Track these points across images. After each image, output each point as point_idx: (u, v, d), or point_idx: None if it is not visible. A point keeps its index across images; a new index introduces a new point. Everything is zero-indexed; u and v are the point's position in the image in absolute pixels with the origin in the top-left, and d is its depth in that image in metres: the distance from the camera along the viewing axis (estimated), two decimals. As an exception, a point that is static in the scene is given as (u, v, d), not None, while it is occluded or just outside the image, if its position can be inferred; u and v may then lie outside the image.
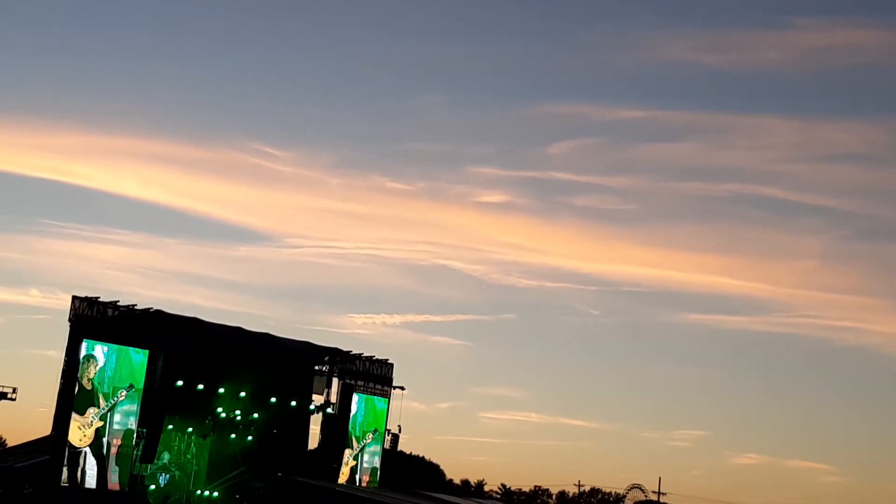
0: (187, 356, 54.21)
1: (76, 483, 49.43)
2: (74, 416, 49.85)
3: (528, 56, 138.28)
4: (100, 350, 51.35)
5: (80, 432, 49.94)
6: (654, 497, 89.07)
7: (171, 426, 55.80)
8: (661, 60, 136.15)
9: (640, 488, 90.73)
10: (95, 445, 50.11)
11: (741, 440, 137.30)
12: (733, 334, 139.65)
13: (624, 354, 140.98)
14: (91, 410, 50.37)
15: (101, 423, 50.15)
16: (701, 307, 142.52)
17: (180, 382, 53.77)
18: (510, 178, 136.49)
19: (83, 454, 49.78)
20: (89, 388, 50.52)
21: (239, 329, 57.14)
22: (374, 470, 63.46)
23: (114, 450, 50.94)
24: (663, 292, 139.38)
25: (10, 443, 71.73)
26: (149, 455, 52.31)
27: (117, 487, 50.58)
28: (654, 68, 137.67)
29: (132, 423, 51.58)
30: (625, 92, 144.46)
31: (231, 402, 57.12)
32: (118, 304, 53.23)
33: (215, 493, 56.82)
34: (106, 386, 51.17)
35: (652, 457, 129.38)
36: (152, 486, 54.44)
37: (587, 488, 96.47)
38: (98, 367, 50.67)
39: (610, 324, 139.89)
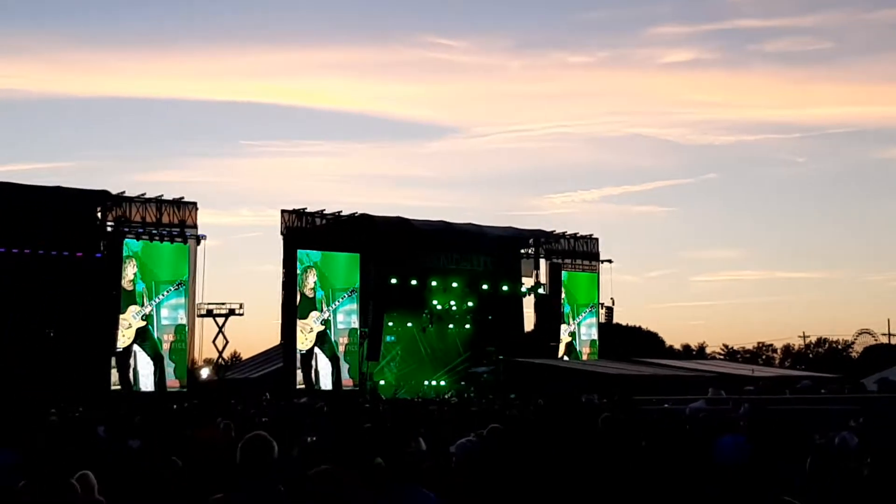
0: (397, 255, 55.84)
1: (311, 384, 51.90)
2: (298, 322, 52.48)
3: None
4: (315, 258, 53.40)
5: (302, 336, 52.59)
6: (884, 340, 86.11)
7: (391, 323, 57.75)
8: None
9: (870, 333, 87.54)
10: (327, 348, 52.54)
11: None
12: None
13: (837, 198, 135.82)
14: (313, 314, 52.84)
15: (321, 328, 52.51)
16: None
17: (394, 280, 55.55)
18: (695, 34, 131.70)
19: (314, 356, 52.30)
20: (311, 295, 52.98)
21: (443, 223, 58.53)
22: (592, 342, 63.85)
23: (341, 348, 53.51)
24: (870, 129, 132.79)
25: (244, 356, 73.58)
26: (374, 353, 54.89)
27: (350, 384, 53.04)
28: None
29: (354, 322, 54.08)
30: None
31: (444, 294, 58.72)
32: (324, 212, 55.23)
33: (442, 382, 58.48)
34: (325, 291, 53.43)
35: (879, 300, 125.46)
36: (382, 381, 56.62)
37: (813, 339, 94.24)
38: (316, 274, 53.02)
39: (818, 169, 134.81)
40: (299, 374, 51.88)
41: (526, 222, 62.36)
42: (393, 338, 58.49)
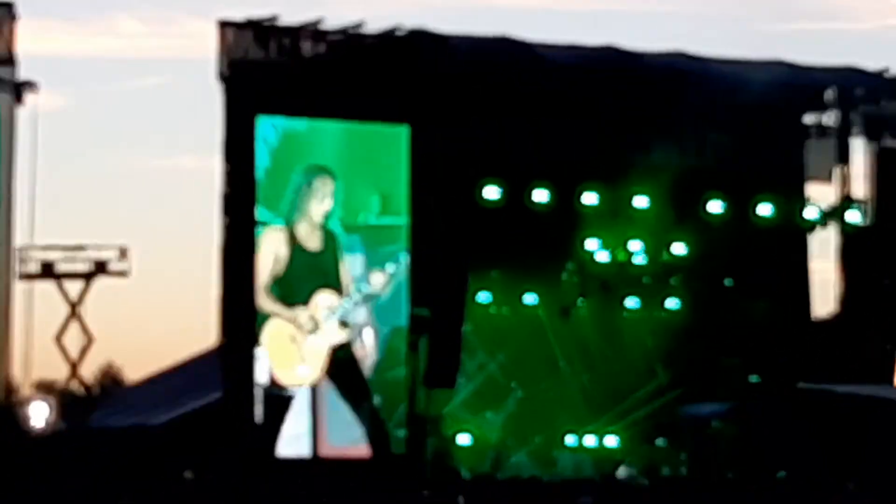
0: (501, 131, 30.34)
1: (315, 441, 27.75)
2: (279, 308, 26.73)
3: None
4: (302, 138, 27.74)
5: (292, 352, 26.66)
6: None
7: (483, 294, 31.30)
8: None
9: None
10: (345, 379, 27.62)
11: None
12: None
13: None
14: (322, 297, 26.93)
15: (341, 337, 26.89)
16: None
17: (495, 192, 30.14)
18: None
19: (317, 401, 27.39)
20: (317, 248, 26.97)
21: (610, 55, 31.07)
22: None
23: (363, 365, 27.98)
24: None
25: (131, 375, 41.99)
26: (444, 370, 29.29)
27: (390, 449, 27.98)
28: None
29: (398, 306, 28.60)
30: None
31: (616, 226, 32.25)
32: (321, 28, 29.15)
33: (610, 439, 31.18)
34: (348, 236, 27.83)
35: None
36: (464, 439, 29.88)
37: None
38: (331, 187, 27.23)
39: None
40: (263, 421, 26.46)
41: (817, 51, 33.65)
42: (489, 328, 32.20)
